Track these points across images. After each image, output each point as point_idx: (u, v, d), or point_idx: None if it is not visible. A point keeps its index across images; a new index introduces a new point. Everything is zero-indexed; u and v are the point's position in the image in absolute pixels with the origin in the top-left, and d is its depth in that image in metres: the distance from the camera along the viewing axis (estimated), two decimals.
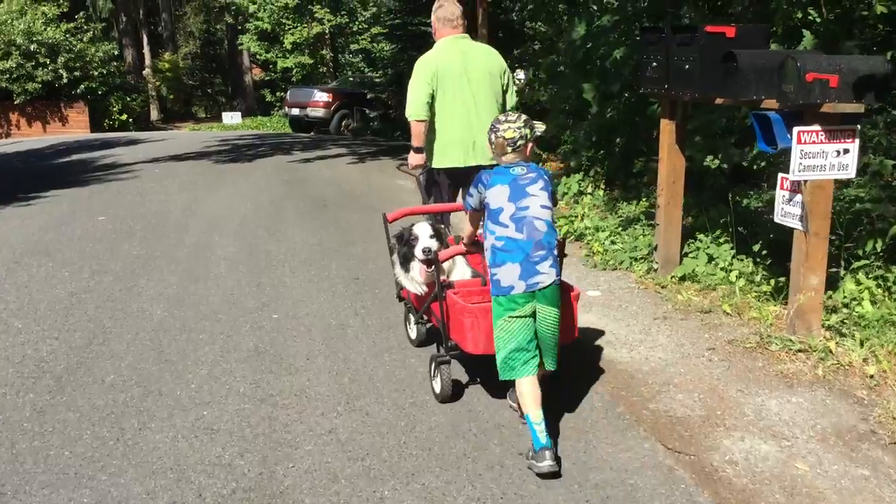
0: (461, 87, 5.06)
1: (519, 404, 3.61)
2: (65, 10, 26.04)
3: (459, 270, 4.42)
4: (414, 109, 5.05)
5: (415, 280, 4.33)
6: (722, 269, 5.74)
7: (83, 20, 25.35)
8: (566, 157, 9.26)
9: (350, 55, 29.28)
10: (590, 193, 8.92)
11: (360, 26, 26.06)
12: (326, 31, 25.74)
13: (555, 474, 3.29)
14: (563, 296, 3.66)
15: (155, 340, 4.95)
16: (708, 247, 6.02)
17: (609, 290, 5.84)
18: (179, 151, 15.59)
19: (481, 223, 3.77)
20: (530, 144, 3.61)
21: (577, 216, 7.72)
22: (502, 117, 3.63)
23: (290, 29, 25.38)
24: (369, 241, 7.33)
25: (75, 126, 24.65)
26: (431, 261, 4.05)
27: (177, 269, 6.55)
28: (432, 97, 5.04)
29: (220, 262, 6.70)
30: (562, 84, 8.84)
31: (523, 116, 3.63)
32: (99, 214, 9.00)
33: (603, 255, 6.68)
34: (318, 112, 20.56)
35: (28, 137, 22.94)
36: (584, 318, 5.19)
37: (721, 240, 6.06)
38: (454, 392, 4.05)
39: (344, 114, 20.69)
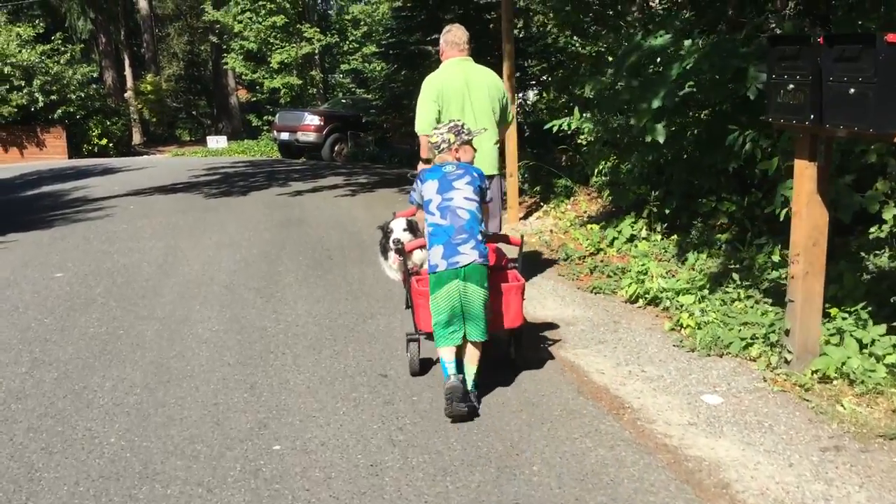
0: (464, 105, 5.36)
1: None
2: (41, 31, 24.28)
3: None
4: (422, 125, 5.35)
5: (391, 267, 4.87)
6: (885, 363, 4.12)
7: (60, 41, 23.59)
8: (615, 196, 7.63)
9: (341, 76, 27.61)
10: (644, 238, 7.30)
11: (352, 46, 24.46)
12: (316, 51, 24.08)
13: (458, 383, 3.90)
14: (497, 280, 4.20)
15: (100, 497, 3.25)
16: (854, 328, 4.39)
17: (732, 394, 4.18)
18: (160, 182, 13.87)
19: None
20: (455, 148, 4.18)
21: (644, 273, 6.07)
22: (435, 126, 4.39)
23: (277, 48, 23.70)
24: (391, 310, 5.67)
25: (53, 151, 22.89)
26: (401, 250, 4.58)
27: (143, 359, 4.85)
28: (439, 113, 5.30)
29: (200, 348, 5.01)
30: (605, 105, 7.21)
31: (451, 124, 4.27)
32: (56, 269, 7.29)
33: (697, 332, 5.04)
34: (310, 136, 18.83)
35: (2, 165, 21.15)
36: (717, 447, 3.56)
37: (866, 316, 4.44)
38: (422, 368, 4.49)
39: (336, 138, 18.98)
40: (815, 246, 4.25)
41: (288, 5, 23.32)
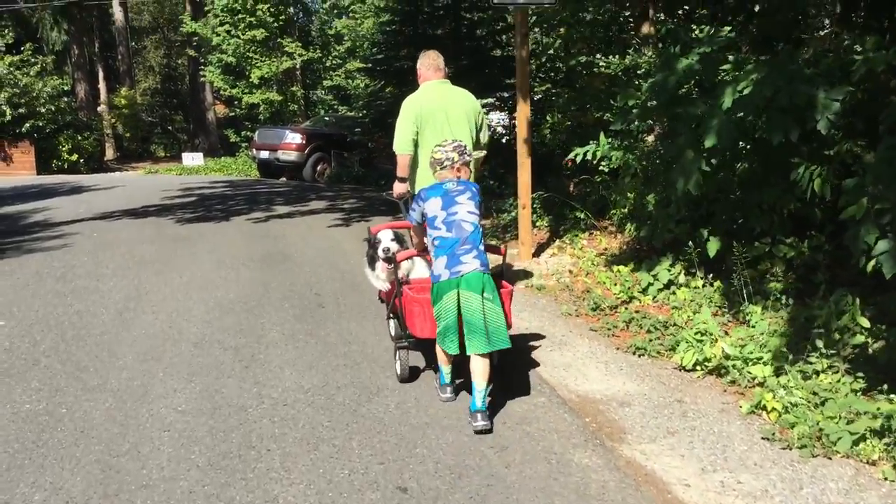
0: (441, 125, 5.36)
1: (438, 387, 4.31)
2: (10, 41, 22.93)
3: (418, 270, 4.81)
4: (400, 145, 5.36)
5: (379, 277, 4.95)
6: None
7: (31, 53, 22.25)
8: (647, 233, 6.56)
9: (322, 92, 26.42)
10: (683, 285, 6.24)
11: (334, 62, 23.34)
12: (297, 66, 22.92)
13: (451, 400, 4.20)
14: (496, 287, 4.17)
15: None
16: None
17: None
18: (130, 205, 12.63)
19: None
20: (458, 166, 4.31)
21: (701, 334, 4.99)
22: (438, 144, 4.46)
23: (257, 63, 22.50)
24: (400, 382, 4.54)
25: (20, 167, 21.53)
26: (390, 259, 4.68)
27: (86, 456, 3.67)
28: (417, 133, 5.33)
29: (161, 440, 3.84)
30: (642, 114, 6.17)
31: (455, 143, 4.41)
32: None
33: (786, 419, 3.97)
34: (290, 156, 17.63)
35: None
36: None
37: None
38: (412, 375, 4.55)
39: (319, 157, 17.80)
40: None
41: (270, 19, 22.15)
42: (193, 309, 6.14)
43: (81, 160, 22.81)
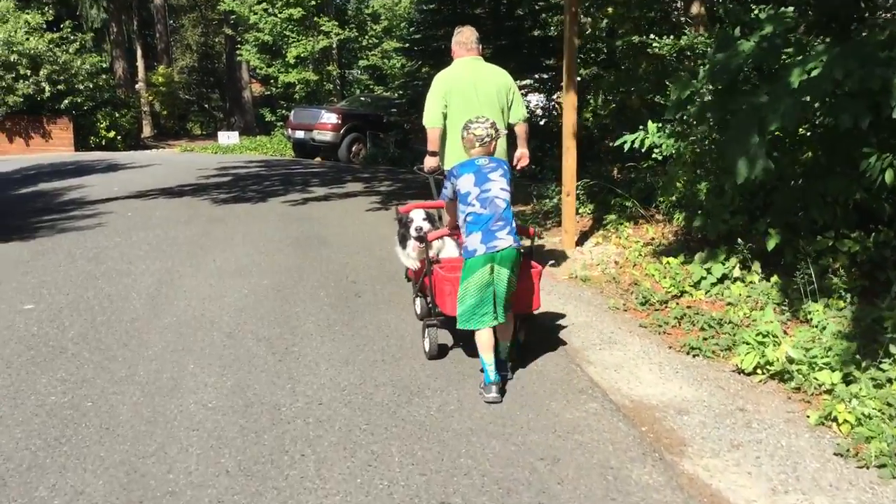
0: (471, 101, 5.32)
1: (483, 387, 4.06)
2: (50, 18, 22.89)
3: (448, 250, 4.93)
4: (430, 119, 5.36)
5: (410, 256, 5.02)
6: None
7: (70, 30, 22.20)
8: (701, 224, 6.18)
9: (358, 71, 26.08)
10: (738, 279, 5.88)
11: (371, 41, 22.99)
12: (333, 45, 22.61)
13: (497, 401, 3.95)
14: (524, 267, 4.33)
15: None
16: None
17: None
18: (165, 183, 12.49)
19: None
20: (494, 142, 4.37)
21: (763, 335, 4.64)
22: (473, 119, 4.41)
23: (293, 42, 22.22)
24: (444, 381, 4.26)
25: (59, 143, 21.58)
26: (422, 238, 4.72)
27: (110, 456, 3.45)
28: (446, 107, 5.32)
29: (189, 441, 3.60)
30: (699, 115, 5.78)
31: (490, 120, 4.41)
32: (29, 297, 5.94)
33: (860, 432, 3.62)
34: (326, 136, 17.36)
35: (7, 155, 19.85)
36: None
37: None
38: (440, 351, 4.58)
39: (354, 138, 17.51)
40: None
41: None
42: (226, 295, 5.91)
43: (119, 137, 22.82)
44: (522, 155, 5.71)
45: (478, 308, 4.08)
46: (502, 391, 4.07)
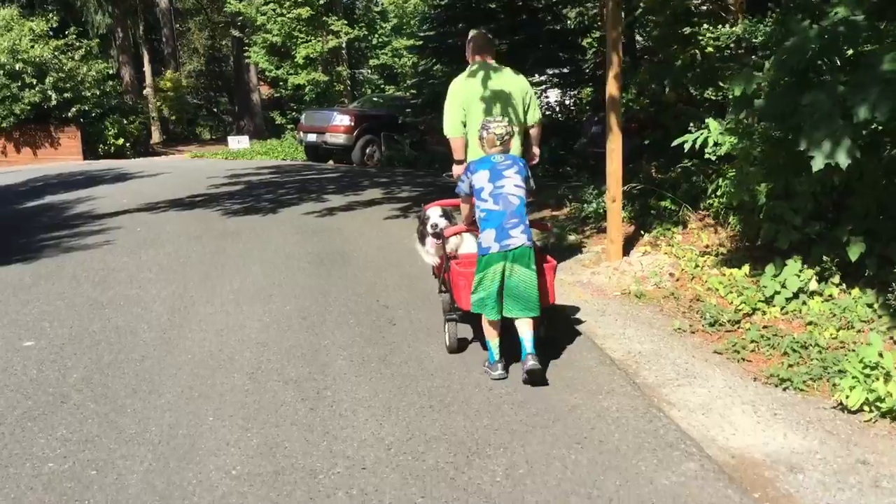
0: (487, 105, 5.36)
1: (488, 366, 4.28)
2: (54, 25, 22.28)
3: (467, 246, 4.90)
4: (451, 129, 5.46)
5: (429, 252, 5.10)
6: None
7: (75, 37, 21.60)
8: (769, 230, 5.49)
9: (368, 71, 25.40)
10: (818, 294, 5.20)
11: (380, 39, 22.30)
12: (343, 45, 21.93)
13: (503, 377, 4.15)
14: (538, 262, 4.29)
15: None
16: None
17: None
18: (175, 194, 11.86)
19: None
20: (510, 140, 4.42)
21: (873, 367, 3.95)
22: (491, 119, 4.56)
23: (302, 42, 21.56)
24: (508, 435, 3.60)
25: (67, 152, 21.00)
26: (438, 234, 4.84)
27: None
28: (465, 115, 5.39)
29: None
30: (770, 108, 5.09)
31: (505, 120, 4.58)
32: (28, 333, 5.31)
33: None
34: (339, 139, 16.69)
35: (15, 166, 19.30)
36: None
37: None
38: (460, 346, 4.62)
39: (368, 140, 16.85)
40: None
41: None
42: (246, 325, 5.27)
43: (128, 144, 22.20)
44: (534, 155, 5.73)
45: (486, 300, 4.18)
46: (538, 371, 4.09)
